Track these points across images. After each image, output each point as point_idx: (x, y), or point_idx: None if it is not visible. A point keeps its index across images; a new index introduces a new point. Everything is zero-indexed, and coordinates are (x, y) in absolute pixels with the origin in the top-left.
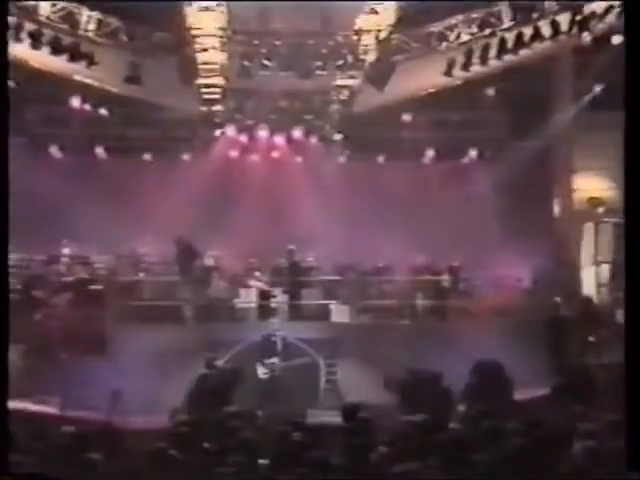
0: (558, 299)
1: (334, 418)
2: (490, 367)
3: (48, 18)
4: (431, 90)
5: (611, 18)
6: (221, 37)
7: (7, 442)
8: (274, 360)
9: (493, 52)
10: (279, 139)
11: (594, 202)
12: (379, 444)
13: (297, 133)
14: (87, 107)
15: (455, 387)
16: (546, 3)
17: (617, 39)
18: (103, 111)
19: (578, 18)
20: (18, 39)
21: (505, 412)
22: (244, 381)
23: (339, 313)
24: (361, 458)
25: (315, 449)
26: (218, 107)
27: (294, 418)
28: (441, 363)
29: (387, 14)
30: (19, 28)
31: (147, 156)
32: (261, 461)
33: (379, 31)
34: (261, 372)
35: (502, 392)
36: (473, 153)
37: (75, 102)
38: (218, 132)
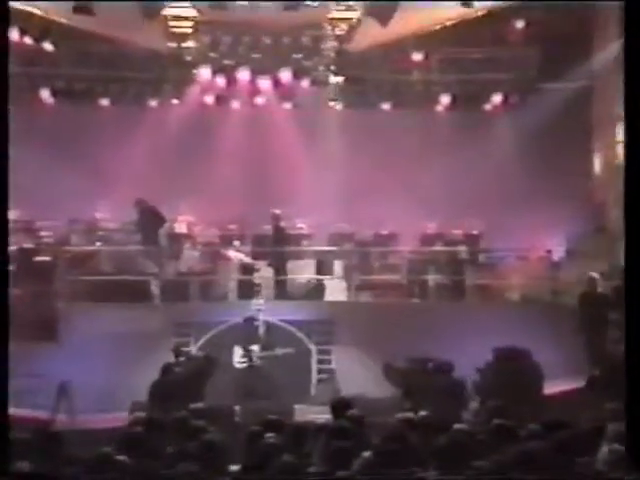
0: (595, 274)
1: (325, 415)
2: (513, 355)
3: None
4: (447, 23)
5: None
6: None
7: (7, 443)
8: (254, 347)
9: None
10: (263, 82)
11: None
12: (365, 448)
13: (285, 75)
14: (28, 41)
15: (470, 380)
16: None
17: None
18: (48, 46)
19: None
20: None
21: (527, 410)
22: (221, 372)
23: (334, 290)
24: (341, 465)
25: (289, 453)
26: (189, 44)
27: (274, 416)
28: (454, 351)
29: None
30: None
31: (104, 101)
32: (233, 468)
33: None
34: (239, 361)
35: (526, 386)
36: (496, 99)
37: (13, 34)
38: (190, 74)
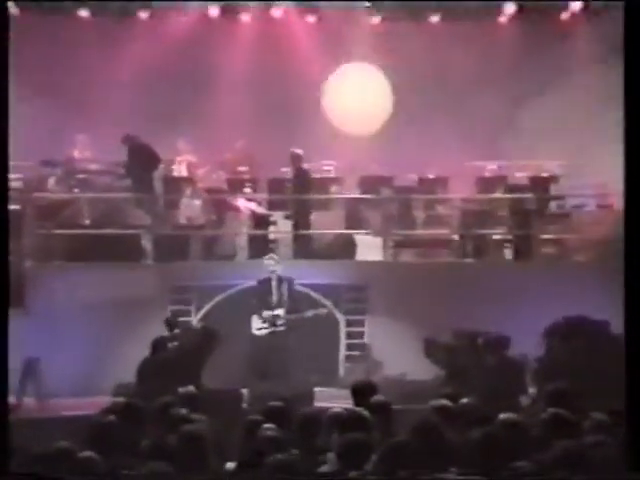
0: None
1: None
2: (586, 329)
3: None
4: None
5: None
6: None
7: (7, 442)
8: (277, 312)
9: None
10: None
11: None
12: (382, 443)
13: None
14: None
15: (531, 359)
16: None
17: None
18: None
19: None
20: None
21: (600, 398)
22: (227, 346)
23: (368, 248)
24: (355, 463)
25: (294, 448)
26: None
27: (279, 402)
28: (513, 323)
29: None
30: None
31: (83, 12)
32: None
33: None
34: (257, 327)
35: (601, 367)
36: (575, 5)
37: None
38: None
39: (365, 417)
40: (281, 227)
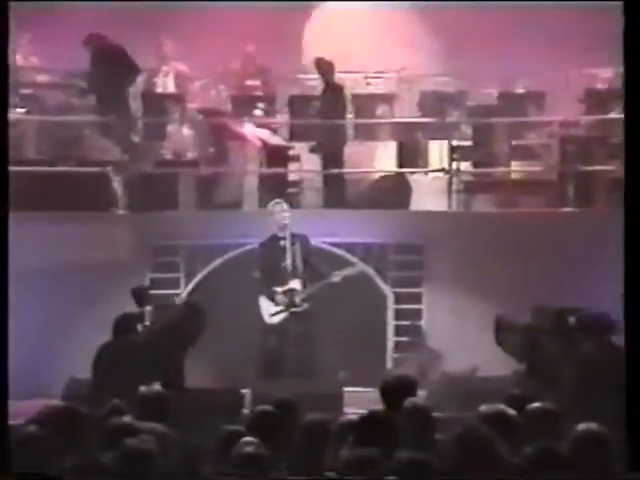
0: None
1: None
2: None
3: None
4: None
5: None
6: None
7: (7, 442)
8: (294, 285)
9: None
10: None
11: None
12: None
13: None
14: None
15: None
16: None
17: None
18: None
19: None
20: None
21: None
22: (221, 332)
23: (427, 193)
24: None
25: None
26: None
27: (269, 407)
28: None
29: None
30: None
31: None
32: None
33: None
34: (271, 311)
35: None
36: None
37: None
38: None
39: (388, 424)
40: (306, 164)
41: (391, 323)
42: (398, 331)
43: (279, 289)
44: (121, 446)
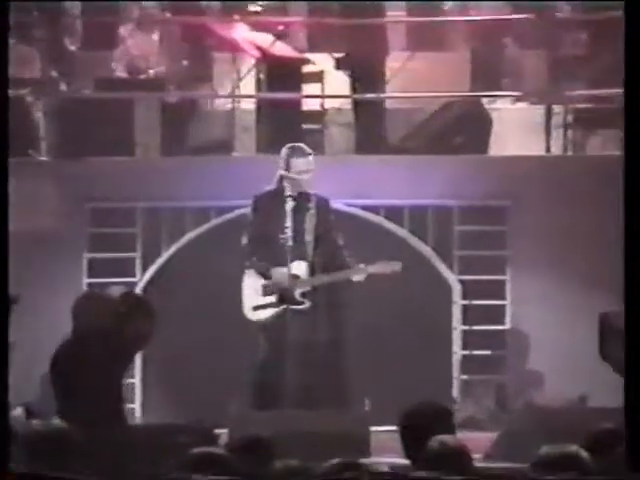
0: None
1: None
2: None
3: None
4: None
5: None
6: None
7: (7, 442)
8: (297, 266)
9: None
10: None
11: None
12: None
13: None
14: None
15: None
16: None
17: None
18: None
19: None
20: None
21: None
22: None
23: (516, 130)
24: None
25: None
26: None
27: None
28: None
29: None
30: None
31: None
32: None
33: None
34: (256, 304)
35: None
36: None
37: None
38: None
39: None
40: (328, 86)
41: (458, 328)
42: (467, 339)
43: (275, 271)
44: None
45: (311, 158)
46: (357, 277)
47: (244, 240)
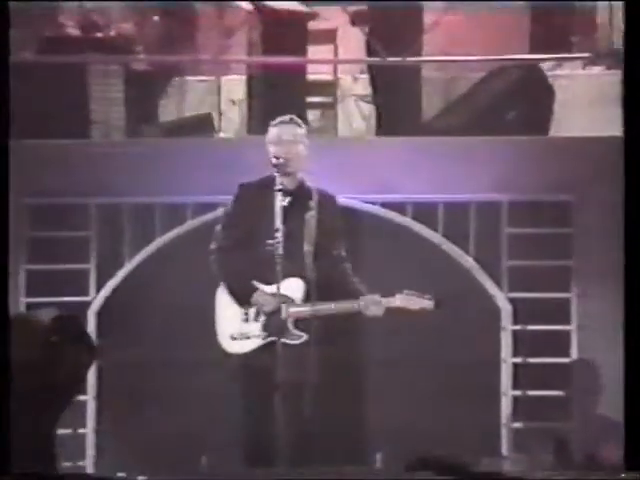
0: None
1: None
2: None
3: None
4: None
5: None
6: None
7: (7, 442)
8: (287, 290)
9: None
10: None
11: None
12: None
13: None
14: None
15: None
16: None
17: None
18: None
19: None
20: None
21: None
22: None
23: (584, 101)
24: None
25: None
26: None
27: None
28: None
29: None
30: None
31: None
32: None
33: None
34: (234, 334)
35: None
36: None
37: None
38: None
39: None
40: (342, 48)
41: (508, 361)
42: (520, 377)
43: (259, 291)
44: None
45: (300, 130)
46: (372, 312)
47: (215, 242)
